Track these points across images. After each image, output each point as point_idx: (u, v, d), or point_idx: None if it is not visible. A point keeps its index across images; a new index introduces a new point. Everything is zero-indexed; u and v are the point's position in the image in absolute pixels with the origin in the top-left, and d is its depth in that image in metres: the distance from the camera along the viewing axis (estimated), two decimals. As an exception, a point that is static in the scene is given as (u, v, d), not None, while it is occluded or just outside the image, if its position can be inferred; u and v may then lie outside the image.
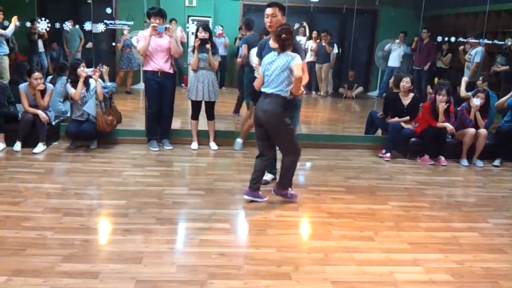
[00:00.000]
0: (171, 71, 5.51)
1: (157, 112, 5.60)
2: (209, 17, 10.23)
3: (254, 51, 4.72)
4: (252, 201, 4.09)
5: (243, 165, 5.25)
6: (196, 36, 5.42)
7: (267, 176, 4.56)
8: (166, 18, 5.44)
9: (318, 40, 10.04)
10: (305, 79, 3.95)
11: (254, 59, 4.59)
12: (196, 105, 5.65)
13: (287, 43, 3.79)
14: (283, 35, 3.77)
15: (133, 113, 7.41)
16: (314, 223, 3.76)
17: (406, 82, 5.90)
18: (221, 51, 9.38)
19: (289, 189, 4.19)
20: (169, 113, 5.73)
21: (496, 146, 5.93)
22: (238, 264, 3.03)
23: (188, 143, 5.91)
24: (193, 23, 10.22)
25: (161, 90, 5.49)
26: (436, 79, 9.45)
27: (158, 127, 5.71)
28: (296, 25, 10.69)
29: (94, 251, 3.10)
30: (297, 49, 3.95)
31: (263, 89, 3.92)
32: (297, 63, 3.77)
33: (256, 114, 3.97)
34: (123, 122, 6.00)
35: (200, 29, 5.41)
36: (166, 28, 5.29)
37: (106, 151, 5.47)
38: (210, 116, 5.75)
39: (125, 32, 8.20)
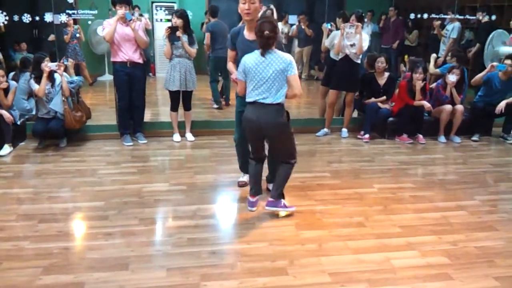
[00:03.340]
0: (140, 61, 5.25)
1: (129, 105, 5.35)
2: (174, 2, 9.91)
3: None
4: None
5: (222, 155, 5.09)
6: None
7: (244, 177, 4.15)
8: (131, 6, 5.16)
9: (297, 23, 9.86)
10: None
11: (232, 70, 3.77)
12: (174, 95, 5.44)
13: (271, 41, 3.23)
14: (266, 33, 3.16)
15: (102, 106, 7.08)
16: (303, 212, 3.64)
17: (381, 62, 5.84)
18: None
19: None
20: (141, 105, 5.49)
21: (473, 121, 5.97)
22: (231, 262, 2.90)
23: (163, 135, 5.70)
24: (158, 9, 9.91)
25: (132, 82, 5.23)
26: (406, 57, 9.49)
27: (131, 121, 5.47)
28: (263, 8, 10.50)
29: (75, 260, 2.90)
30: (281, 48, 3.45)
31: (252, 98, 3.32)
32: (295, 75, 3.29)
33: (252, 121, 3.36)
34: (92, 117, 5.71)
35: (173, 15, 5.18)
36: (132, 20, 5.01)
37: (77, 149, 5.19)
38: (187, 106, 5.56)
39: (71, 23, 7.71)
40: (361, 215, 3.64)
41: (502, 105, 5.66)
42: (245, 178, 4.09)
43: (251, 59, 3.30)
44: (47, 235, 3.19)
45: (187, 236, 3.21)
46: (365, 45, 5.55)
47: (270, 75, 3.25)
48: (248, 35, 3.53)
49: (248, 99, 3.36)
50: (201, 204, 3.78)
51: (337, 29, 5.86)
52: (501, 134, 5.98)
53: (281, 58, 3.26)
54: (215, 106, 7.40)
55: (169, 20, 9.58)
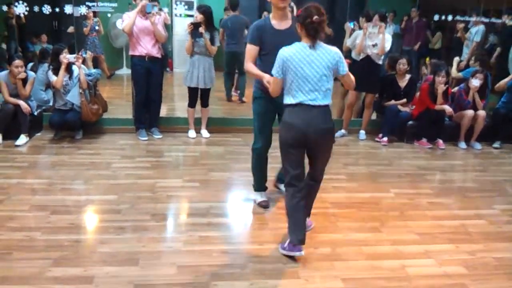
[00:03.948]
0: (159, 55, 5.23)
1: (145, 99, 5.33)
2: (195, -3, 9.89)
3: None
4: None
5: (236, 153, 5.04)
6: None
7: (263, 195, 3.71)
8: (152, -1, 5.15)
9: None
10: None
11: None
12: (193, 92, 5.40)
13: (321, 28, 2.75)
14: (316, 18, 2.69)
15: (119, 100, 7.09)
16: (317, 214, 3.56)
17: (402, 64, 5.72)
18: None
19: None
20: (158, 99, 5.47)
21: (495, 128, 5.82)
22: (242, 263, 2.84)
23: (178, 131, 5.67)
24: (178, 3, 9.90)
25: (149, 76, 5.22)
26: (427, 59, 9.32)
27: (147, 115, 5.45)
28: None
29: (86, 253, 2.88)
30: None
31: (297, 99, 2.81)
32: (348, 72, 2.93)
33: (298, 128, 2.81)
34: (109, 111, 5.72)
35: (196, 11, 5.14)
36: (152, 13, 4.98)
37: (92, 142, 5.20)
38: (205, 103, 5.52)
39: (91, 15, 7.74)
40: (377, 220, 3.56)
41: (526, 112, 5.51)
42: (265, 196, 3.69)
43: (295, 51, 2.79)
44: (59, 227, 3.18)
45: (199, 234, 3.17)
46: (388, 45, 5.44)
47: (321, 71, 2.78)
48: (278, 24, 3.19)
49: (288, 101, 2.85)
50: (214, 202, 3.73)
51: (360, 28, 5.76)
52: (524, 142, 5.83)
53: (330, 51, 2.83)
54: (226, 98, 7.53)
55: (189, 16, 9.57)
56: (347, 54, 6.23)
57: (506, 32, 7.34)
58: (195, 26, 5.06)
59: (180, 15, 9.95)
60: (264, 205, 3.62)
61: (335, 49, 2.88)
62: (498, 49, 7.43)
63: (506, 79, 5.73)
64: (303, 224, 2.94)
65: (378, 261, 2.95)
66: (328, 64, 2.81)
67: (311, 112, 2.81)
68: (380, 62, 5.62)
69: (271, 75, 2.93)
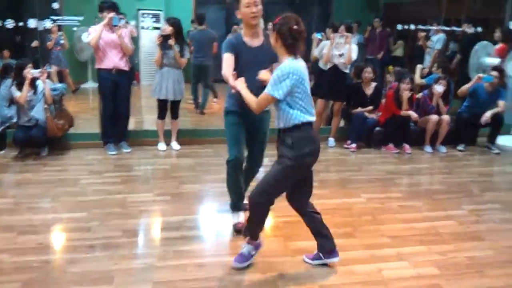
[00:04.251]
0: (126, 68, 5.17)
1: (113, 113, 5.25)
2: (161, 10, 9.86)
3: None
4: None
5: (207, 164, 5.01)
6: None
7: (240, 217, 3.47)
8: (119, 12, 5.08)
9: None
10: None
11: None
12: (162, 104, 5.37)
13: (301, 38, 2.59)
14: (295, 27, 2.54)
15: (85, 114, 6.93)
16: (291, 222, 3.56)
17: (368, 73, 5.85)
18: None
19: None
20: (126, 113, 5.39)
21: (458, 131, 6.00)
22: (219, 276, 2.81)
23: (148, 144, 5.59)
24: (145, 16, 9.83)
25: (117, 89, 5.14)
26: (390, 67, 9.56)
27: (115, 129, 5.35)
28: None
29: (56, 274, 2.79)
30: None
31: (311, 117, 2.67)
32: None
33: (318, 151, 2.76)
34: (75, 125, 5.58)
35: (165, 23, 5.12)
36: (118, 26, 4.93)
37: (58, 158, 5.06)
38: (175, 115, 5.49)
39: (55, 29, 7.59)
40: (349, 225, 3.59)
41: (487, 115, 5.71)
42: (241, 218, 3.44)
43: (295, 64, 2.58)
44: (27, 248, 3.06)
45: (173, 249, 3.12)
46: (354, 55, 5.55)
47: (307, 85, 2.67)
48: (251, 41, 3.14)
49: (305, 119, 2.63)
50: (187, 215, 3.69)
51: (327, 39, 5.86)
52: (486, 144, 6.02)
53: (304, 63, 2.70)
54: (197, 111, 7.56)
55: (156, 28, 9.54)
56: (315, 63, 6.33)
57: (465, 40, 7.63)
58: (164, 38, 5.04)
59: (148, 27, 9.89)
60: (237, 228, 3.37)
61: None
62: (458, 56, 7.71)
63: (468, 85, 5.93)
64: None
65: (354, 266, 2.98)
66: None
67: (309, 130, 2.70)
68: (347, 71, 5.72)
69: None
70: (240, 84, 2.83)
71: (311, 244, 3.22)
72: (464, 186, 4.65)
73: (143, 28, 9.91)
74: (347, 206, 3.98)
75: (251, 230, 2.89)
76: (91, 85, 9.33)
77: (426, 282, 2.81)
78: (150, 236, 3.39)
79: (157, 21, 9.82)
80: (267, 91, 2.61)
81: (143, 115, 7.38)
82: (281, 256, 3.06)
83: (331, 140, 5.93)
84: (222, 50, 3.18)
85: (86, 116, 6.76)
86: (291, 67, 2.55)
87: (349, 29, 5.68)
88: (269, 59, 3.06)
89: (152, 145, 5.58)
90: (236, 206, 3.49)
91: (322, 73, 5.75)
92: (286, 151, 2.66)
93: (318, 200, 4.02)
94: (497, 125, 5.87)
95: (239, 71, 3.08)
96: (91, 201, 3.89)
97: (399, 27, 8.79)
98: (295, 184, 2.81)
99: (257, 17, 3.07)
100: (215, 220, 3.68)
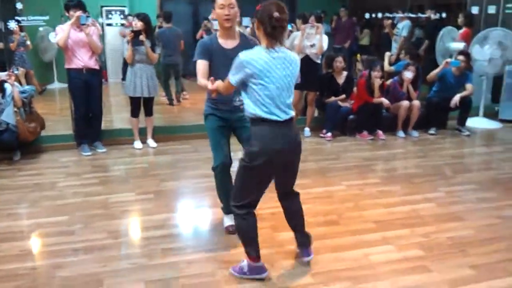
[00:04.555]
0: (97, 67, 5.06)
1: (86, 113, 5.14)
2: (124, 6, 9.67)
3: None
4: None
5: (186, 161, 4.98)
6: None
7: (232, 219, 3.11)
8: (86, 10, 4.95)
9: (251, 26, 9.87)
10: None
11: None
12: (135, 101, 5.29)
13: (283, 28, 2.45)
14: (275, 14, 2.38)
15: (54, 116, 6.74)
16: (276, 213, 3.57)
17: (339, 62, 5.92)
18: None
19: None
20: (99, 112, 5.29)
21: (429, 116, 6.16)
22: (211, 271, 2.81)
23: (123, 143, 5.51)
24: (113, 13, 9.63)
25: (88, 89, 5.03)
26: (358, 56, 9.72)
27: (88, 129, 5.24)
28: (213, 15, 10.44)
29: (44, 280, 2.72)
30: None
31: (271, 115, 2.47)
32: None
33: (278, 152, 2.53)
34: (46, 127, 5.42)
35: (135, 19, 5.02)
36: (86, 25, 4.82)
37: (32, 162, 4.92)
38: (149, 112, 5.42)
39: (17, 30, 7.34)
40: (333, 213, 3.65)
41: (456, 99, 5.88)
42: (233, 221, 3.10)
43: (259, 56, 2.42)
44: (11, 255, 2.97)
45: (161, 247, 3.10)
46: (325, 45, 5.61)
47: (289, 76, 2.49)
48: (225, 43, 3.04)
49: (258, 114, 2.48)
50: (172, 213, 3.67)
51: (297, 30, 5.89)
52: (456, 126, 6.21)
53: (292, 55, 2.54)
54: (168, 102, 7.60)
55: (122, 25, 9.39)
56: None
57: (430, 26, 7.80)
58: (135, 34, 4.96)
59: (112, 24, 9.70)
60: (230, 231, 3.29)
61: (293, 53, 2.61)
62: (426, 42, 7.86)
63: (437, 70, 6.09)
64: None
65: (342, 252, 3.04)
66: (295, 69, 2.51)
67: (286, 128, 2.54)
68: (319, 61, 5.78)
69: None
70: (217, 84, 2.69)
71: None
72: (439, 168, 4.79)
73: (108, 25, 9.70)
74: (329, 194, 4.04)
75: (243, 245, 2.71)
76: (57, 85, 9.08)
77: (413, 264, 2.89)
78: (137, 236, 3.34)
79: (123, 18, 9.64)
80: (229, 73, 2.53)
81: (115, 114, 7.25)
82: (270, 247, 3.08)
83: (307, 130, 5.99)
84: (196, 53, 3.08)
85: (56, 117, 6.58)
86: (250, 58, 2.42)
87: (319, 20, 5.73)
88: None
89: (128, 143, 5.50)
90: (227, 209, 3.37)
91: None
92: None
93: (301, 190, 3.99)
94: (466, 108, 6.05)
95: (212, 72, 3.01)
96: (71, 204, 3.80)
97: (367, 15, 8.90)
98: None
99: (230, 20, 2.97)
100: (200, 216, 3.67)
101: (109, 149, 5.31)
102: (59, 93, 8.80)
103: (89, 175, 4.52)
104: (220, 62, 2.97)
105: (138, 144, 5.42)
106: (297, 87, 3.03)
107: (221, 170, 3.17)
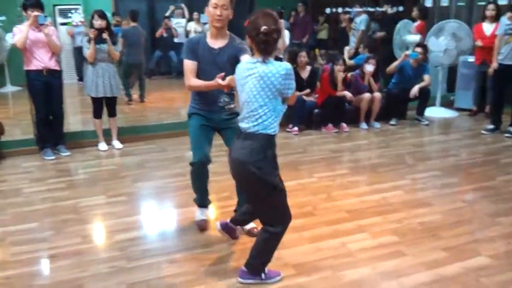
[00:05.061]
0: (57, 67, 4.92)
1: (47, 116, 4.98)
2: (79, 4, 9.39)
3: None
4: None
5: (156, 160, 4.92)
6: (92, 25, 4.91)
7: (204, 213, 3.40)
8: (44, 10, 4.78)
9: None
10: None
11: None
12: (98, 102, 5.16)
13: (272, 39, 2.36)
14: (263, 28, 2.31)
15: (11, 120, 6.47)
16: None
17: (303, 57, 6.00)
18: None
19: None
20: (60, 115, 5.12)
21: (389, 107, 6.36)
22: (193, 269, 2.80)
23: (87, 145, 5.38)
24: (73, 12, 9.31)
25: (49, 91, 4.87)
26: (316, 50, 9.88)
27: (50, 133, 5.07)
28: (172, 8, 10.33)
29: (21, 289, 2.64)
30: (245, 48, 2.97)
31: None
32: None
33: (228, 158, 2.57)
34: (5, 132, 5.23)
35: (96, 16, 4.90)
36: (45, 25, 4.66)
37: (-7, 169, 4.73)
38: (113, 112, 5.30)
39: None
40: (308, 205, 3.72)
41: (415, 89, 6.09)
42: (205, 215, 3.41)
43: (244, 66, 2.44)
44: (-18, 267, 2.86)
45: (141, 248, 3.06)
46: (287, 40, 5.68)
47: (255, 87, 2.37)
48: (214, 43, 3.01)
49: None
50: (147, 213, 3.63)
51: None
52: (415, 116, 6.44)
53: (280, 67, 2.36)
54: (127, 99, 7.52)
55: (70, 24, 9.16)
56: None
57: (386, 19, 8.02)
58: (99, 31, 4.85)
59: (65, 24, 9.40)
60: (200, 226, 3.32)
61: (287, 66, 2.40)
62: (384, 33, 8.03)
63: (396, 62, 6.28)
64: None
65: (320, 242, 3.10)
66: (278, 83, 2.34)
67: (237, 138, 2.51)
68: (282, 56, 5.84)
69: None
70: (230, 78, 2.64)
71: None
72: (402, 157, 4.96)
73: (61, 24, 9.39)
74: (302, 187, 4.11)
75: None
76: (10, 89, 8.75)
77: (389, 250, 2.99)
78: (113, 239, 3.26)
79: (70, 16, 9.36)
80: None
81: (74, 116, 7.03)
82: (250, 242, 3.07)
83: None
84: (183, 52, 3.07)
85: (13, 122, 6.31)
86: (241, 64, 2.48)
87: (280, 16, 5.77)
88: (228, 61, 2.95)
89: (92, 146, 5.36)
90: (200, 201, 3.42)
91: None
92: None
93: None
94: (425, 98, 6.29)
95: (199, 71, 3.02)
96: (40, 210, 3.68)
97: (328, 10, 9.05)
98: None
99: (222, 20, 2.93)
100: (177, 214, 3.64)
101: (73, 152, 5.16)
102: (13, 96, 8.48)
103: (55, 180, 4.38)
104: (207, 61, 2.97)
105: (103, 145, 5.30)
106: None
107: (198, 167, 3.19)
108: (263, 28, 2.31)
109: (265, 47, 2.35)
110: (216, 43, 3.02)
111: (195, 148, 3.14)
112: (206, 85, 2.92)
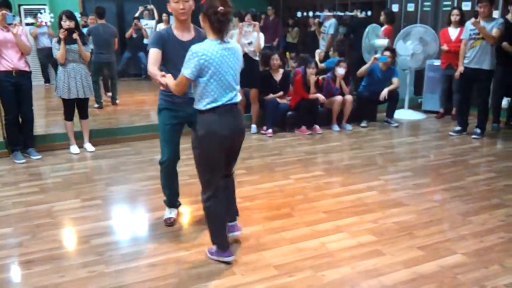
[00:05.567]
0: (27, 68, 4.81)
1: (17, 118, 4.84)
2: (44, 4, 9.16)
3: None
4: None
5: (130, 163, 4.86)
6: (60, 26, 4.80)
7: (172, 212, 3.50)
8: (11, 9, 4.66)
9: None
10: None
11: None
12: (69, 104, 5.06)
13: (227, 20, 2.59)
14: (221, 9, 2.53)
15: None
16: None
17: (276, 60, 6.05)
18: (47, 42, 8.59)
19: None
20: (30, 117, 5.00)
21: (360, 109, 6.49)
22: (175, 272, 2.79)
23: (58, 148, 5.26)
24: (42, 11, 9.03)
25: (19, 92, 4.75)
26: (287, 54, 9.97)
27: (20, 135, 4.94)
28: (141, 8, 10.21)
29: (-2, 296, 2.56)
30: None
31: (219, 101, 2.66)
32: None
33: (225, 136, 2.72)
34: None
35: (64, 17, 4.80)
36: (13, 24, 4.55)
37: (-41, 173, 4.55)
38: (84, 114, 5.22)
39: None
40: (286, 206, 3.76)
41: (384, 92, 6.25)
42: (173, 214, 3.49)
43: (213, 49, 2.60)
44: (-46, 275, 2.76)
45: (120, 252, 3.03)
46: (262, 42, 5.72)
47: (237, 64, 2.73)
48: (181, 35, 3.11)
49: (210, 105, 2.66)
50: (124, 217, 3.59)
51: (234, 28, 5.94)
52: (385, 119, 6.59)
53: (237, 45, 2.80)
54: (96, 105, 7.27)
55: (33, 24, 8.92)
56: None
57: (353, 23, 8.19)
58: (69, 32, 4.76)
59: (31, 24, 9.14)
60: (168, 223, 3.41)
61: (238, 45, 2.84)
62: (352, 36, 8.20)
63: (366, 66, 6.42)
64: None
65: (300, 243, 3.14)
66: (240, 57, 2.75)
67: (232, 113, 2.74)
68: (257, 58, 5.87)
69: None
70: (168, 79, 2.82)
71: (256, 228, 3.36)
72: (374, 159, 5.08)
73: (27, 24, 9.12)
74: (279, 188, 4.15)
75: (210, 233, 2.92)
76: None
77: (367, 249, 3.06)
78: (91, 243, 3.20)
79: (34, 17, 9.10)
80: (182, 69, 2.65)
81: (43, 118, 6.85)
82: (231, 243, 3.10)
83: (253, 127, 6.08)
84: (149, 43, 3.21)
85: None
86: (203, 48, 2.59)
87: (255, 18, 5.83)
88: None
89: (63, 149, 5.26)
90: (170, 202, 3.50)
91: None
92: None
93: (252, 186, 4.20)
94: (394, 101, 6.46)
95: (167, 64, 3.11)
96: (13, 215, 3.58)
97: (299, 14, 9.16)
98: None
99: (185, 13, 3.05)
100: (154, 218, 3.59)
101: (44, 155, 5.03)
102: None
103: (26, 184, 4.27)
104: (177, 54, 2.99)
105: (74, 148, 5.19)
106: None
107: (167, 165, 3.29)
108: (220, 8, 2.53)
109: (220, 26, 2.58)
110: (183, 36, 3.12)
111: (163, 146, 3.26)
112: (155, 76, 2.95)
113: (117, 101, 7.65)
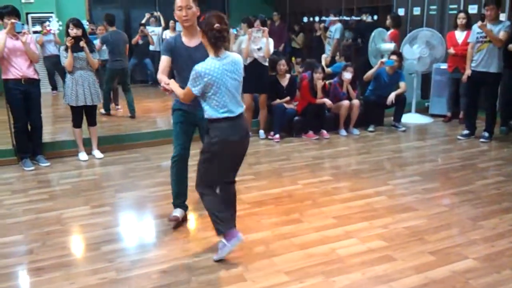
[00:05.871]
0: (36, 76, 4.85)
1: (26, 125, 4.88)
2: (51, 12, 9.23)
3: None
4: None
5: (138, 170, 4.87)
6: (68, 34, 4.84)
7: (178, 211, 3.55)
8: (20, 18, 4.70)
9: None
10: None
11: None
12: (77, 111, 5.09)
13: (223, 36, 2.78)
14: (216, 25, 2.73)
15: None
16: (240, 216, 3.60)
17: (282, 65, 6.06)
18: (53, 50, 8.63)
19: None
20: (39, 124, 5.03)
21: (367, 114, 6.48)
22: (185, 278, 2.79)
23: (66, 155, 5.29)
24: (50, 19, 9.09)
25: (28, 100, 4.79)
26: (293, 59, 9.99)
27: (29, 142, 4.97)
28: (147, 15, 10.27)
29: (10, 304, 2.57)
30: None
31: (226, 113, 2.83)
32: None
33: (237, 144, 2.94)
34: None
35: (71, 25, 4.84)
36: (22, 33, 4.59)
37: (-31, 181, 4.58)
38: (93, 121, 5.24)
39: None
40: (295, 211, 3.75)
41: (392, 96, 6.24)
42: (178, 212, 3.53)
43: (214, 66, 2.77)
44: (-34, 282, 2.77)
45: (129, 259, 3.03)
46: (271, 48, 5.73)
47: (238, 76, 2.88)
48: (189, 42, 3.26)
49: (226, 114, 2.83)
50: (133, 223, 3.59)
51: (244, 34, 5.98)
52: (392, 123, 6.57)
53: (236, 56, 2.93)
54: (103, 112, 7.25)
55: (40, 32, 8.96)
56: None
57: (359, 27, 8.19)
58: (76, 40, 4.79)
59: (38, 32, 9.20)
60: (170, 219, 3.47)
61: (237, 55, 2.98)
62: (359, 40, 8.21)
63: (372, 70, 6.41)
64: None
65: (310, 249, 3.13)
66: (241, 73, 2.92)
67: (240, 121, 2.91)
68: (266, 64, 5.88)
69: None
70: (172, 84, 3.00)
71: (265, 234, 3.35)
72: (383, 163, 5.06)
73: (34, 32, 9.19)
74: (288, 194, 4.14)
75: (213, 223, 3.01)
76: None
77: (378, 255, 3.05)
78: (101, 250, 3.20)
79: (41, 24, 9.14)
80: (188, 84, 2.84)
81: (51, 125, 6.88)
82: (239, 250, 3.09)
83: (261, 132, 6.09)
84: (161, 50, 3.39)
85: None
86: (206, 68, 2.76)
87: (264, 23, 5.85)
88: (203, 58, 3.00)
89: (72, 156, 5.28)
90: (176, 201, 3.57)
91: (244, 68, 5.84)
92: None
93: (260, 192, 4.20)
94: (401, 105, 6.44)
95: (176, 70, 3.30)
96: (24, 222, 3.60)
97: (305, 19, 9.18)
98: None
99: (189, 20, 3.19)
100: (163, 224, 3.59)
101: (52, 163, 5.06)
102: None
103: (36, 191, 4.29)
104: (184, 60, 3.20)
105: (83, 155, 5.22)
106: (248, 90, 3.28)
107: (177, 160, 3.42)
108: (216, 25, 2.73)
109: (216, 41, 2.77)
110: (190, 42, 3.26)
111: (175, 142, 3.42)
112: (160, 82, 3.08)
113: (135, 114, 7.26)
